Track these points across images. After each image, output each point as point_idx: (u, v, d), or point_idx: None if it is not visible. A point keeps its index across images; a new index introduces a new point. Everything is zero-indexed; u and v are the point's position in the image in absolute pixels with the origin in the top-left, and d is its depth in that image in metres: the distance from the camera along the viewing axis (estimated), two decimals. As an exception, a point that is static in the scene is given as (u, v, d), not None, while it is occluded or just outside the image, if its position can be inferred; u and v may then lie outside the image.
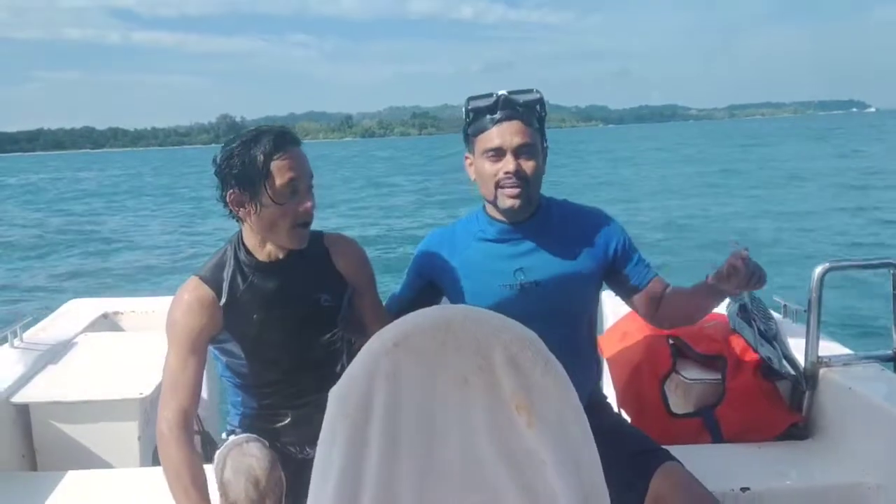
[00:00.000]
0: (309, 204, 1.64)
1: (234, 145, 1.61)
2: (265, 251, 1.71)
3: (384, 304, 1.97)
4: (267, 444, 1.65)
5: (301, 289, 1.73)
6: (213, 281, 1.70)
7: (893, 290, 2.05)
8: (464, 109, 1.79)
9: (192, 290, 1.69)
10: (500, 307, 1.72)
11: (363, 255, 1.86)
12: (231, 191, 1.62)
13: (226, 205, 1.65)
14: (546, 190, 1.88)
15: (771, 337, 2.15)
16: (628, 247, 1.86)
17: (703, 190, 20.26)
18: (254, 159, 1.58)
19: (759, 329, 2.16)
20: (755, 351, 2.15)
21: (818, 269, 2.04)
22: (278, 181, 1.59)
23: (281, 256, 1.71)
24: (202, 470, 1.58)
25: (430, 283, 1.94)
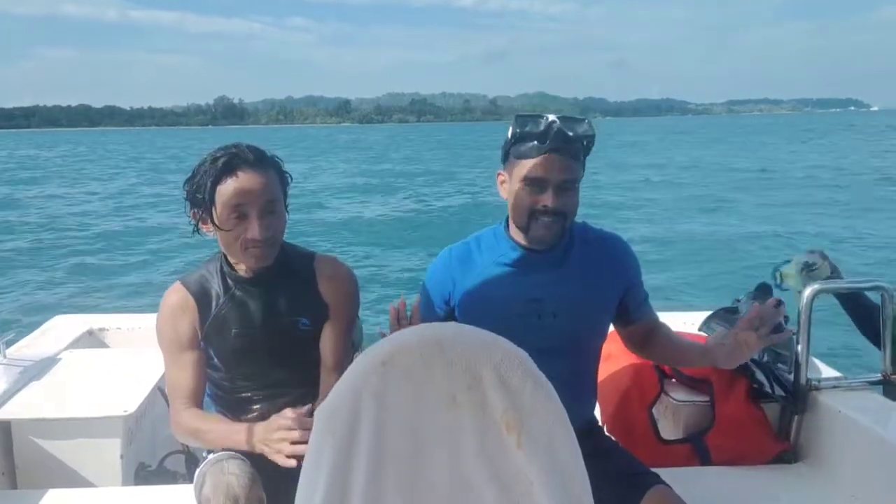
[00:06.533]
0: (255, 230, 1.58)
1: (199, 165, 1.61)
2: (241, 266, 1.71)
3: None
4: (247, 461, 1.62)
5: (281, 309, 1.72)
6: (196, 290, 1.71)
7: (882, 312, 2.06)
8: (510, 127, 1.65)
9: (175, 292, 1.72)
10: (514, 334, 1.69)
11: (349, 283, 1.79)
12: (192, 210, 1.63)
13: (191, 221, 1.66)
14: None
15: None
16: (639, 282, 1.81)
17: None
18: (203, 184, 1.58)
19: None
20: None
21: (808, 291, 2.03)
22: (220, 208, 1.58)
23: (254, 273, 1.70)
24: (212, 415, 1.72)
25: (450, 306, 1.79)
